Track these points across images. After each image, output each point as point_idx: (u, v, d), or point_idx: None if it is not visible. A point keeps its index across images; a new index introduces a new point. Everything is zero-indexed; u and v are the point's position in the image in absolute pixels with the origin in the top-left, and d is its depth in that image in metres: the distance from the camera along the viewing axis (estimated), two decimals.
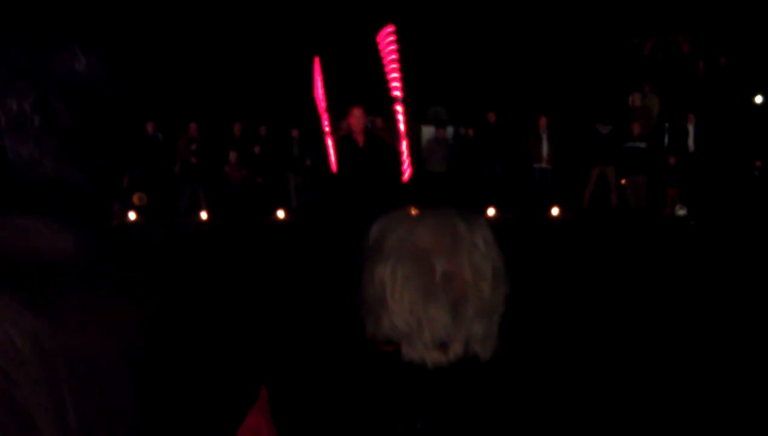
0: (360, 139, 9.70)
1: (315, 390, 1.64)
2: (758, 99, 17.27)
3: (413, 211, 1.66)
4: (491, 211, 15.84)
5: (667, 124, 16.97)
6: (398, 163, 9.19)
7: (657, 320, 7.45)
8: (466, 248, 1.58)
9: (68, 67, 1.12)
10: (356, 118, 9.93)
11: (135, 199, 16.69)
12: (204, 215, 16.46)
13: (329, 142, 11.80)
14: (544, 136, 16.75)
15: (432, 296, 1.55)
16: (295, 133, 17.16)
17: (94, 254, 1.01)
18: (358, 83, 13.13)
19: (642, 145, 15.95)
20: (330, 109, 12.20)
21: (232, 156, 16.90)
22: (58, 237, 0.98)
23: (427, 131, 18.15)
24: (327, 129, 12.17)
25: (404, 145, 9.35)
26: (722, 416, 4.93)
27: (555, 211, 15.90)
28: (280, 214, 16.16)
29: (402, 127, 9.56)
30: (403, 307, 1.56)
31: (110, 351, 0.88)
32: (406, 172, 9.27)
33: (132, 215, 15.96)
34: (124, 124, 1.19)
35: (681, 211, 15.46)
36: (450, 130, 17.94)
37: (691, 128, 16.53)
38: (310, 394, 1.63)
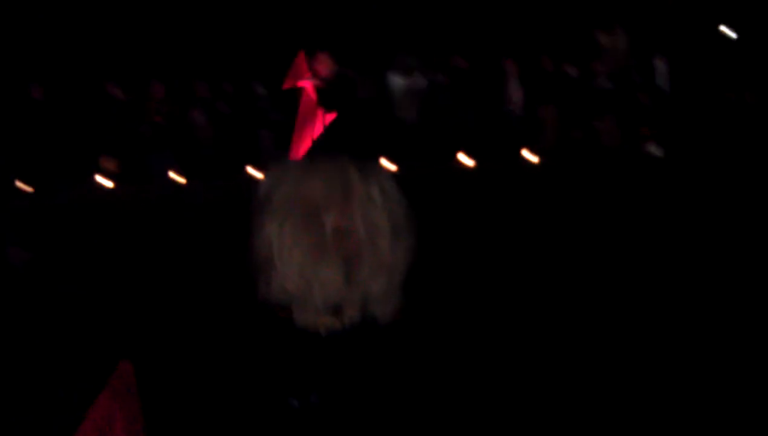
0: (325, 83, 9.68)
1: (198, 361, 1.52)
2: (726, 30, 17.16)
3: (305, 162, 1.52)
4: (464, 158, 15.80)
5: (636, 63, 16.85)
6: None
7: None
8: (360, 202, 1.44)
9: None
10: (322, 63, 9.87)
11: (106, 164, 16.44)
12: (176, 177, 16.25)
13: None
14: (514, 80, 16.60)
15: (322, 254, 1.42)
16: (260, 88, 16.88)
17: None
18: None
19: (610, 85, 15.85)
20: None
21: (199, 116, 16.65)
22: None
23: (397, 81, 17.91)
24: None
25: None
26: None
27: (528, 155, 15.85)
28: (252, 171, 15.97)
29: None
30: (291, 267, 1.43)
31: None
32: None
33: (108, 182, 15.75)
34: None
35: (654, 150, 15.44)
36: (420, 79, 17.70)
37: (661, 65, 16.42)
38: (192, 366, 1.51)
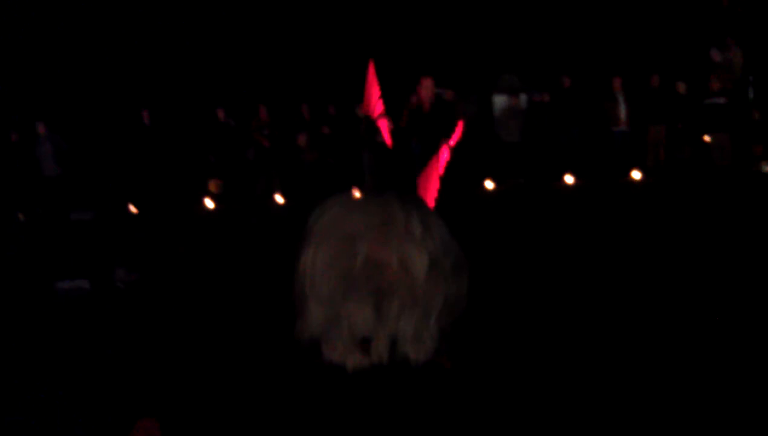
0: (426, 106, 9.79)
1: (228, 413, 1.43)
2: None
3: (355, 195, 1.46)
4: (570, 179, 15.54)
5: (751, 78, 16.28)
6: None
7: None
8: (398, 234, 1.36)
9: None
10: (426, 88, 10.00)
11: (211, 186, 16.83)
12: (280, 199, 16.49)
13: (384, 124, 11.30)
14: (621, 98, 16.22)
15: (352, 284, 1.35)
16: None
17: None
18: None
19: (722, 101, 15.33)
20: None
21: (303, 138, 16.87)
22: None
23: (500, 100, 17.78)
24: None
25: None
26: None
27: (636, 174, 15.48)
28: (356, 194, 16.05)
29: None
30: (321, 297, 1.37)
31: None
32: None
33: (210, 204, 16.14)
34: None
35: (767, 168, 14.91)
36: (524, 98, 17.51)
37: None
38: (221, 419, 1.42)
